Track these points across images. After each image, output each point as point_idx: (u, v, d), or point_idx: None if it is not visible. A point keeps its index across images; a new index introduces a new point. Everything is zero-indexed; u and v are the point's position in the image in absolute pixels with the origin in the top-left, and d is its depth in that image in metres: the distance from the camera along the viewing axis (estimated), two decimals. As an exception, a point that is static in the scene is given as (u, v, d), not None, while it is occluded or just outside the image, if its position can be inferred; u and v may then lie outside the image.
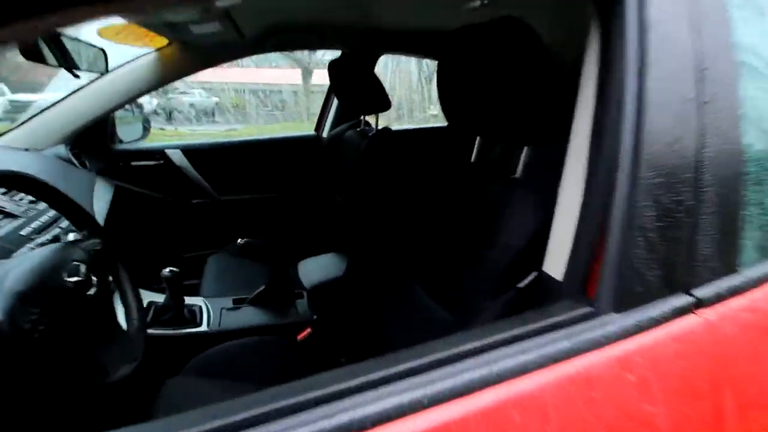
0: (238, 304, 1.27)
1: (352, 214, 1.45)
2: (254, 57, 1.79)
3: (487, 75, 0.70)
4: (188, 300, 1.23)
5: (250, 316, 1.22)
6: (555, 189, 0.64)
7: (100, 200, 1.41)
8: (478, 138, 0.92)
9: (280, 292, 1.32)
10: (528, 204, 0.68)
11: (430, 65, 2.99)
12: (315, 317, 1.24)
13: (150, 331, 1.05)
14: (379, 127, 1.50)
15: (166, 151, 1.71)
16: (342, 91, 1.39)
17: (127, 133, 1.77)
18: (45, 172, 1.29)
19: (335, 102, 1.92)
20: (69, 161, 1.43)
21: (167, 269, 1.06)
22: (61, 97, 1.43)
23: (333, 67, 1.42)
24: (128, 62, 1.47)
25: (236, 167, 1.86)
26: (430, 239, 0.91)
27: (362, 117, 1.64)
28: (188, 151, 1.75)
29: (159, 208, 1.72)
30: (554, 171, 0.69)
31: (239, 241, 1.23)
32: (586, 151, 0.50)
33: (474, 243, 0.77)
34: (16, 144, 1.41)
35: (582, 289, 0.47)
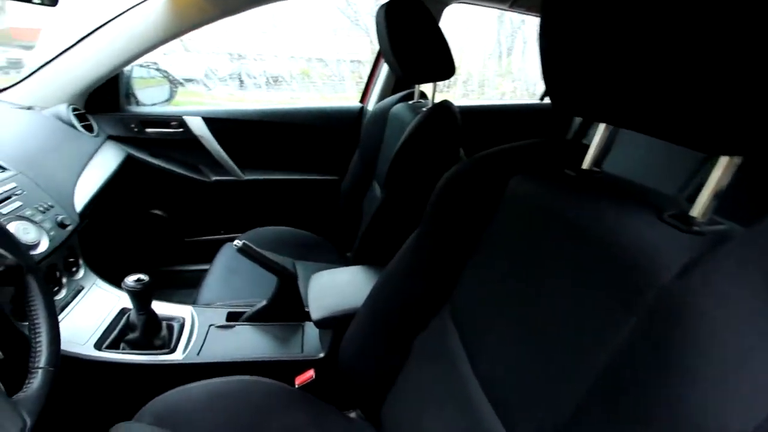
0: (232, 320, 1.00)
1: (392, 216, 1.10)
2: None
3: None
4: (171, 311, 0.98)
5: (241, 341, 0.94)
6: None
7: (99, 171, 1.20)
8: (601, 127, 0.51)
9: (285, 311, 1.03)
10: (747, 305, 0.27)
11: (514, 21, 2.44)
12: (322, 355, 0.93)
13: (107, 355, 0.81)
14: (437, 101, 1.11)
15: (184, 117, 1.46)
16: (391, 48, 1.01)
17: (150, 95, 1.56)
18: (32, 136, 1.09)
19: (386, 67, 1.54)
20: (70, 123, 1.23)
21: (132, 278, 0.80)
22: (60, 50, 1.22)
23: (381, 15, 1.04)
24: (132, 8, 1.21)
25: (265, 140, 1.58)
26: (499, 300, 0.54)
27: (416, 87, 1.25)
28: (212, 119, 1.50)
29: (174, 183, 1.50)
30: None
31: (236, 242, 0.94)
32: None
33: (593, 355, 0.38)
34: (22, 100, 1.23)
35: None
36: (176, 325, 0.93)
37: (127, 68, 1.42)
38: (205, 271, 1.31)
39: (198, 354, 0.88)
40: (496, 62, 2.43)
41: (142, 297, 0.82)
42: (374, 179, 1.37)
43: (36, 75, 1.22)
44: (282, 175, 1.62)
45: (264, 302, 1.02)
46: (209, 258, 1.37)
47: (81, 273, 0.92)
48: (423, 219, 0.69)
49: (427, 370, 0.66)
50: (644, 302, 0.34)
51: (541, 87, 1.93)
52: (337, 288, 0.95)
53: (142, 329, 0.85)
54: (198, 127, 1.47)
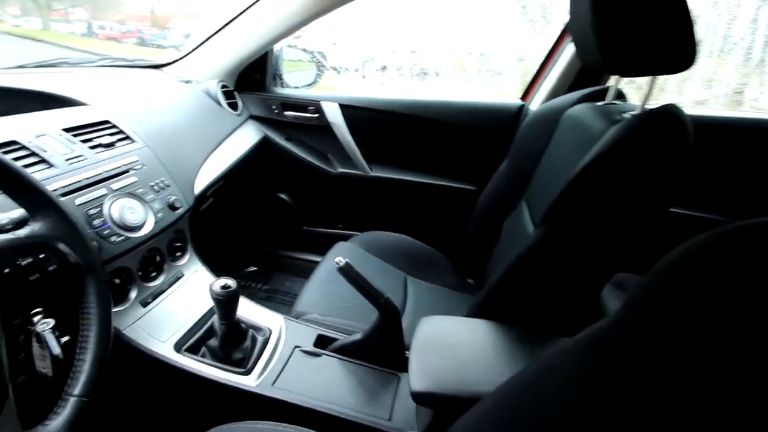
0: (320, 345, 0.85)
1: (551, 266, 0.77)
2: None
3: None
4: (262, 318, 0.86)
5: (322, 378, 0.77)
6: None
7: (232, 150, 1.17)
8: None
9: (381, 353, 0.82)
10: None
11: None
12: (416, 435, 0.69)
13: (181, 360, 0.72)
14: (649, 105, 0.73)
15: (321, 103, 1.37)
16: (595, 19, 0.66)
17: (296, 78, 1.52)
18: (176, 109, 1.10)
19: (567, 57, 1.17)
20: (216, 100, 1.23)
21: (219, 283, 0.69)
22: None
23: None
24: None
25: (399, 134, 1.39)
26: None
27: (614, 82, 0.88)
28: (348, 106, 1.38)
29: (301, 169, 1.44)
30: None
31: (338, 260, 0.76)
32: None
33: None
34: (184, 73, 1.29)
35: None
36: (260, 339, 0.81)
37: (277, 49, 1.40)
38: (318, 263, 1.22)
39: (273, 383, 0.73)
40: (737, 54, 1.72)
41: (225, 306, 0.71)
42: (523, 199, 1.05)
43: (197, 51, 1.26)
44: (411, 176, 1.42)
45: (358, 335, 0.83)
46: (324, 251, 1.27)
47: (185, 259, 0.87)
48: (625, 310, 0.38)
49: None
50: None
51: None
52: (452, 348, 0.69)
53: (221, 340, 0.74)
54: (333, 113, 1.37)
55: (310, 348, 0.83)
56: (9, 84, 0.76)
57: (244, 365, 0.75)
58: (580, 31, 0.74)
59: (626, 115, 0.73)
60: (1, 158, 0.42)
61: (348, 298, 1.02)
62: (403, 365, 0.82)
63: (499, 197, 1.15)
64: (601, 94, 0.92)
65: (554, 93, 1.17)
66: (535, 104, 1.23)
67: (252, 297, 1.47)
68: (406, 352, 0.84)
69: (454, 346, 0.70)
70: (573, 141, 0.84)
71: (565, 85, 1.17)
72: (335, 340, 0.87)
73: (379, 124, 1.39)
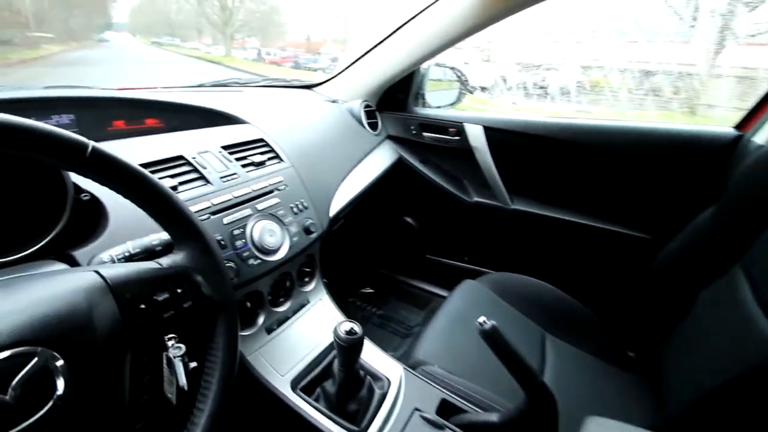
0: (444, 414, 0.70)
1: None
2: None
3: None
4: (381, 365, 0.76)
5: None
6: None
7: (368, 171, 1.14)
8: None
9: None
10: None
11: None
12: None
13: (295, 400, 0.66)
14: None
15: (464, 125, 1.25)
16: None
17: (438, 98, 1.44)
18: (321, 128, 1.11)
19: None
20: (358, 119, 1.22)
21: (345, 327, 0.61)
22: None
23: None
24: (428, 6, 1.05)
25: (551, 163, 1.19)
26: None
27: None
28: (492, 129, 1.23)
29: (433, 194, 1.34)
30: None
31: (482, 320, 0.61)
32: None
33: None
34: (332, 93, 1.32)
35: None
36: (378, 392, 0.71)
37: (424, 67, 1.34)
38: (440, 297, 1.09)
39: (388, 455, 0.62)
40: None
41: (348, 353, 0.62)
42: (738, 266, 0.75)
43: (346, 72, 1.27)
44: (560, 213, 1.19)
45: (494, 417, 0.66)
46: (446, 283, 1.14)
47: (312, 285, 0.83)
48: None
49: None
50: None
51: None
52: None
53: (338, 388, 0.66)
54: (476, 137, 1.23)
55: (432, 416, 0.70)
56: (185, 101, 0.83)
57: (358, 421, 0.66)
58: None
59: None
60: (161, 187, 0.39)
61: (479, 356, 0.86)
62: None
63: (695, 255, 0.86)
64: None
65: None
66: (763, 136, 0.90)
67: (366, 321, 1.42)
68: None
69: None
70: None
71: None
72: (461, 410, 0.72)
73: (528, 151, 1.21)
